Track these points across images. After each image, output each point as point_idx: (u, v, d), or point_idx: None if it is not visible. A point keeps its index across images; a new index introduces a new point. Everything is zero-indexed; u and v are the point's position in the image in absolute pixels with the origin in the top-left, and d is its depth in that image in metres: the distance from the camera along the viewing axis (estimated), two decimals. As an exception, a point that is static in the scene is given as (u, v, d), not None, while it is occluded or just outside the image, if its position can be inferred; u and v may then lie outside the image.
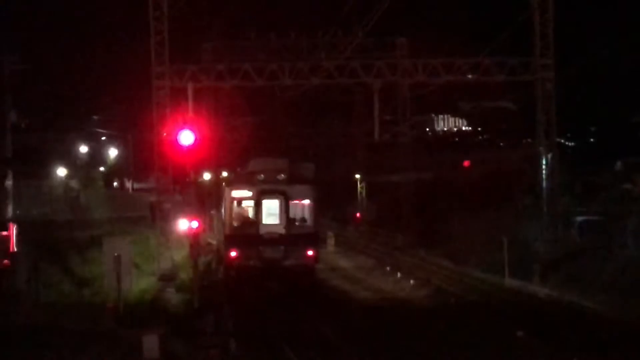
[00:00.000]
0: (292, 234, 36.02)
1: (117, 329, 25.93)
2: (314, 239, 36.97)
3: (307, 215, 37.08)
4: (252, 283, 36.10)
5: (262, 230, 36.23)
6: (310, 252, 36.11)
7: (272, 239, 36.03)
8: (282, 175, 37.11)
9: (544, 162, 46.17)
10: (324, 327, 27.81)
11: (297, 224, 36.63)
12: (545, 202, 45.69)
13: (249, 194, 36.78)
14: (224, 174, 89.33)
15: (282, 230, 36.15)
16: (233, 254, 36.41)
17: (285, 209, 36.30)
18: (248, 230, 36.34)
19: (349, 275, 49.03)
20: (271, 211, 36.37)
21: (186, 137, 29.92)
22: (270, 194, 36.42)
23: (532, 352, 23.35)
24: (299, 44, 48.24)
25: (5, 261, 31.21)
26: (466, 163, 69.08)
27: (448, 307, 33.58)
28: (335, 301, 37.19)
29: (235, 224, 37.10)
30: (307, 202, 37.23)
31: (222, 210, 40.43)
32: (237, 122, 65.71)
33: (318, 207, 37.77)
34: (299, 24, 49.59)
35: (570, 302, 32.06)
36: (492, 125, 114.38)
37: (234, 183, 38.89)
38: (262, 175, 36.94)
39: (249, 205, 37.01)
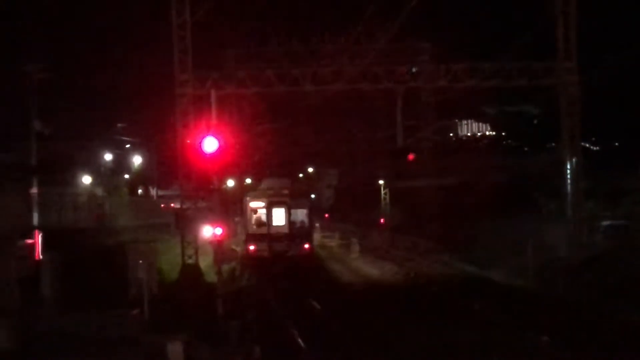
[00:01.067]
0: (293, 232, 49.32)
1: (141, 335, 25.99)
2: (309, 236, 50.43)
3: (304, 219, 50.44)
4: (264, 268, 46.65)
5: (272, 230, 49.43)
6: (306, 245, 49.60)
7: (278, 236, 49.08)
8: (286, 190, 51.00)
9: (568, 166, 45.96)
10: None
11: (296, 225, 49.93)
12: (570, 206, 45.48)
13: (262, 204, 50.29)
14: (248, 180, 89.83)
15: (286, 230, 49.42)
16: (251, 247, 49.75)
17: (288, 215, 49.70)
18: (262, 230, 49.59)
19: (375, 281, 48.97)
20: (278, 216, 49.68)
21: (209, 144, 29.99)
22: (277, 204, 49.98)
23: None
24: (321, 50, 48.28)
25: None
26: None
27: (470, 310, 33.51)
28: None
29: (252, 226, 50.30)
30: (304, 210, 50.69)
31: (244, 217, 52.38)
32: (260, 129, 65.83)
33: (312, 213, 51.88)
34: (321, 30, 49.60)
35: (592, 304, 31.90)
36: (516, 130, 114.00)
37: (252, 196, 51.67)
38: (271, 191, 50.83)
39: (262, 212, 50.22)
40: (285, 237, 49.14)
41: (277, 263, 47.03)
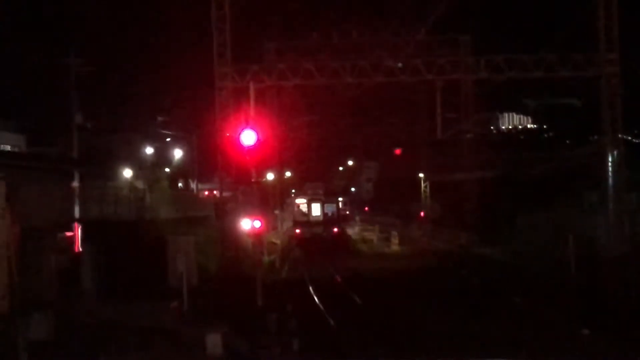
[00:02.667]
0: (326, 220, 66.90)
1: (180, 327, 26.08)
2: (337, 222, 67.95)
3: (333, 211, 68.36)
4: (304, 247, 61.85)
5: (311, 219, 67.00)
6: (335, 229, 66.70)
7: (316, 222, 66.51)
8: (321, 191, 70.83)
9: (610, 158, 45.49)
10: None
11: (328, 215, 67.42)
12: (612, 198, 45.02)
13: (304, 200, 68.82)
14: (288, 173, 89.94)
15: (321, 219, 67.05)
16: (297, 230, 67.42)
17: (322, 208, 67.78)
18: (304, 219, 67.34)
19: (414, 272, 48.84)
20: (315, 209, 67.65)
21: (248, 137, 30.02)
22: (314, 201, 68.26)
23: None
24: (361, 42, 48.15)
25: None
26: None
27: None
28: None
29: (298, 216, 68.51)
30: (333, 205, 68.93)
31: (292, 209, 71.56)
32: (299, 121, 65.91)
33: (342, 207, 71.58)
34: (361, 23, 49.47)
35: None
36: (558, 122, 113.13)
37: (297, 195, 73.05)
38: (310, 191, 70.29)
39: (304, 207, 68.41)
40: (320, 224, 66.61)
41: (315, 242, 62.77)
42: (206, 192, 76.81)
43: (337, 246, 60.95)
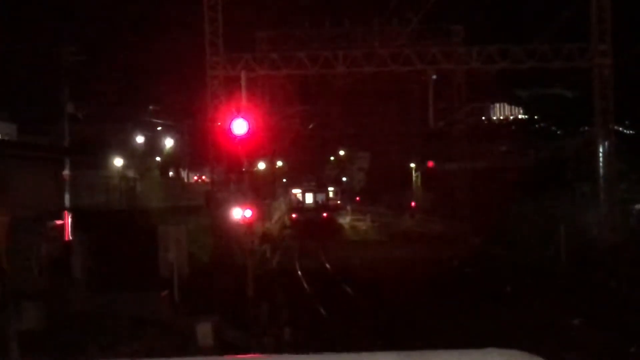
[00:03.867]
0: (317, 207, 76.14)
1: (171, 316, 26.05)
2: (327, 209, 76.27)
3: (323, 199, 77.64)
4: (300, 227, 70.40)
5: (304, 206, 76.77)
6: (325, 214, 74.97)
7: (309, 209, 76.00)
8: (313, 182, 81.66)
9: (601, 149, 45.52)
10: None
11: (319, 203, 76.85)
12: (603, 189, 45.06)
13: (300, 191, 79.16)
14: (279, 163, 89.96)
15: (313, 206, 76.50)
16: (293, 215, 75.55)
17: (314, 197, 77.47)
18: (299, 206, 76.79)
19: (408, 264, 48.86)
20: (308, 198, 77.66)
21: (239, 126, 29.95)
22: (307, 191, 78.57)
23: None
24: (353, 32, 48.04)
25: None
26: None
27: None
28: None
29: (294, 203, 77.88)
30: (323, 194, 78.27)
31: (288, 198, 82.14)
32: (291, 111, 65.84)
33: (333, 197, 79.53)
34: (353, 12, 49.37)
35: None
36: (549, 112, 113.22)
37: (293, 186, 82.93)
38: (305, 183, 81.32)
39: (299, 196, 78.54)
40: (312, 210, 75.86)
41: (307, 224, 70.56)
42: (195, 178, 77.09)
43: (326, 228, 70.63)
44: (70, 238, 34.40)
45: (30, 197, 29.36)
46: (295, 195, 79.34)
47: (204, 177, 77.29)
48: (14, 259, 23.78)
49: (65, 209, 36.68)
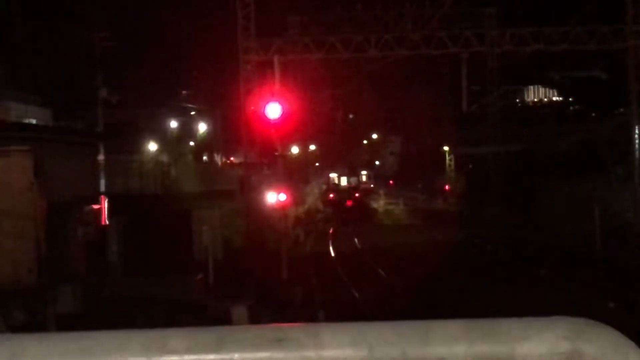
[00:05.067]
0: (350, 188, 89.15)
1: (206, 300, 26.23)
2: (359, 191, 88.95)
3: (356, 183, 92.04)
4: (336, 203, 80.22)
5: (339, 188, 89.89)
6: (357, 194, 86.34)
7: (344, 190, 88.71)
8: (346, 169, 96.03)
9: (636, 131, 45.19)
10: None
11: (352, 185, 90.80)
12: (638, 172, 44.76)
13: (336, 175, 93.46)
14: (312, 147, 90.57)
15: (347, 188, 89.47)
16: (330, 195, 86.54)
17: (348, 180, 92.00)
18: (335, 187, 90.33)
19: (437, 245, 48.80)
20: (343, 181, 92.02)
21: (273, 110, 30.10)
22: (342, 175, 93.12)
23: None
24: (385, 16, 47.92)
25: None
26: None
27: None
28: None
29: (331, 185, 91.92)
30: (356, 178, 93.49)
31: (325, 181, 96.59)
32: (324, 95, 65.86)
33: (366, 181, 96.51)
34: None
35: None
36: (583, 95, 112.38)
37: (329, 170, 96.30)
38: (339, 169, 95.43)
39: (335, 179, 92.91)
40: (346, 191, 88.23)
41: (342, 202, 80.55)
42: (224, 159, 77.55)
43: (358, 206, 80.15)
44: (107, 222, 34.70)
45: (66, 182, 29.62)
46: (332, 179, 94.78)
47: (232, 159, 77.75)
48: (52, 243, 24.04)
49: (101, 193, 36.99)
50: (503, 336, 1.92)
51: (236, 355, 1.85)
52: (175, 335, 1.93)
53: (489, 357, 1.91)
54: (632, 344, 1.97)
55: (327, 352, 1.84)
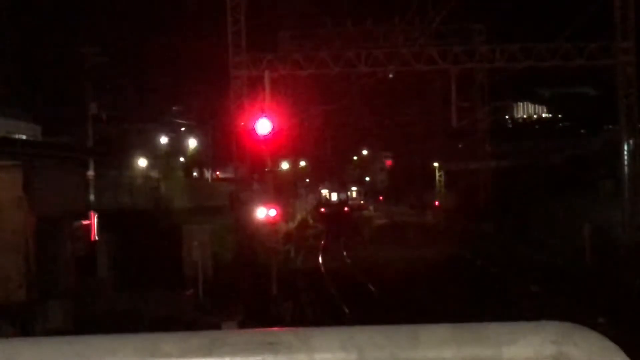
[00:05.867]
0: (339, 202, 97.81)
1: (196, 315, 26.19)
2: (349, 206, 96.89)
3: (345, 198, 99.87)
4: (326, 217, 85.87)
5: (330, 202, 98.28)
6: (346, 209, 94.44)
7: (333, 204, 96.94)
8: (336, 185, 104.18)
9: (625, 147, 45.35)
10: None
11: (342, 200, 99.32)
12: (627, 188, 44.89)
13: (327, 190, 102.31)
14: (302, 163, 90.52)
15: (337, 202, 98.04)
16: (322, 209, 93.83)
17: (338, 195, 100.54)
18: (327, 202, 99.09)
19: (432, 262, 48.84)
20: (333, 196, 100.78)
21: (263, 126, 30.12)
22: (333, 190, 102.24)
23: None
24: (375, 31, 48.05)
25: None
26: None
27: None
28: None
29: (323, 200, 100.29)
30: (344, 194, 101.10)
31: (317, 196, 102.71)
32: (314, 111, 65.91)
33: (356, 196, 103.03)
34: (375, 11, 49.37)
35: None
36: (572, 111, 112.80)
37: (320, 186, 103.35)
38: (329, 185, 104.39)
39: (326, 194, 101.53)
40: (336, 205, 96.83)
41: (332, 215, 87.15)
42: (214, 175, 77.49)
43: (347, 218, 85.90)
44: (96, 238, 34.63)
45: (56, 197, 29.58)
46: (323, 194, 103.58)
47: (217, 174, 77.53)
48: (41, 258, 23.99)
49: (90, 209, 36.92)
50: (491, 340, 1.95)
51: (227, 359, 1.88)
52: (167, 339, 1.96)
53: None
54: (617, 347, 2.00)
55: (318, 356, 1.86)
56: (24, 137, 52.52)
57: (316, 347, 1.88)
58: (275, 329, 1.98)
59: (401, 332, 1.97)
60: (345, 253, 52.48)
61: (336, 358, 1.88)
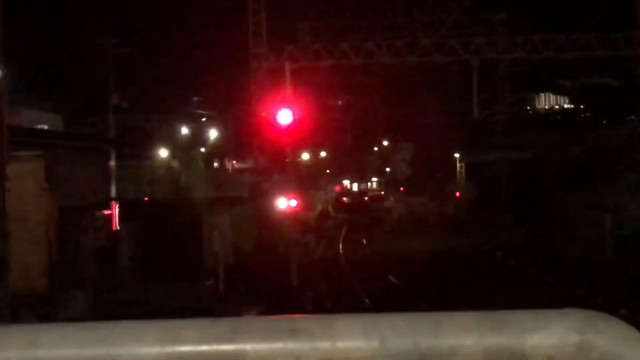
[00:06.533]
0: (360, 192, 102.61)
1: (216, 306, 26.24)
2: (366, 194, 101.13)
3: (365, 188, 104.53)
4: (347, 207, 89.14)
5: (351, 192, 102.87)
6: (366, 198, 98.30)
7: (354, 194, 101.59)
8: (358, 174, 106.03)
9: (647, 138, 45.12)
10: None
11: (361, 190, 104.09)
12: (649, 179, 44.69)
13: (348, 182, 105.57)
14: (323, 154, 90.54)
15: (357, 192, 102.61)
16: (344, 199, 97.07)
17: (359, 186, 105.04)
18: (348, 192, 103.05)
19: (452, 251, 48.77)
20: (354, 186, 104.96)
21: (284, 117, 30.12)
22: (353, 181, 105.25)
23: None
24: (396, 22, 47.95)
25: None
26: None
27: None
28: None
29: (344, 190, 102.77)
30: (366, 184, 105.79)
31: (339, 187, 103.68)
32: (334, 102, 65.87)
33: (377, 187, 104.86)
34: (396, 2, 49.24)
35: None
36: (595, 102, 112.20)
37: (342, 177, 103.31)
38: (350, 176, 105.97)
39: (347, 185, 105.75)
40: (357, 195, 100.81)
41: (353, 204, 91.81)
42: (234, 165, 77.44)
43: (367, 208, 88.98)
44: (117, 228, 34.76)
45: (77, 187, 29.71)
46: (345, 185, 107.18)
47: (234, 162, 77.17)
48: (63, 248, 24.11)
49: (112, 199, 37.06)
50: (514, 328, 1.94)
51: (249, 346, 1.87)
52: (189, 326, 1.96)
53: (500, 348, 1.92)
54: None
55: (340, 343, 1.86)
56: (46, 127, 52.76)
57: (338, 334, 1.87)
58: (297, 315, 1.97)
59: (423, 320, 1.96)
60: (365, 243, 52.46)
61: (358, 345, 1.88)
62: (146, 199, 42.88)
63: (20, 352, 1.85)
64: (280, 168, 50.26)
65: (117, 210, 36.55)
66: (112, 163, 41.11)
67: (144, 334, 1.93)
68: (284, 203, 36.27)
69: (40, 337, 1.89)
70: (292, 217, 33.64)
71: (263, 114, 43.02)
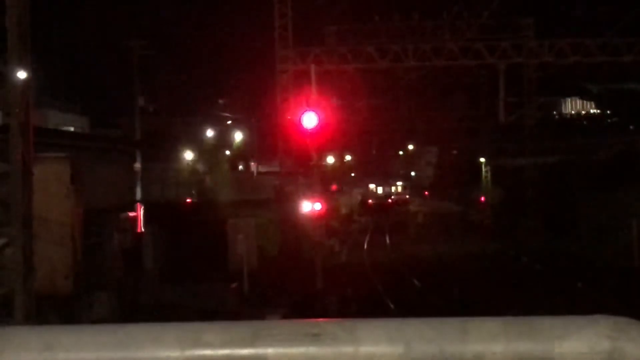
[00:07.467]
0: (385, 195, 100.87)
1: (241, 308, 26.24)
2: (392, 198, 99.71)
3: (389, 192, 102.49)
4: (372, 210, 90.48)
5: (377, 195, 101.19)
6: (389, 200, 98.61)
7: (379, 197, 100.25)
8: (383, 178, 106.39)
9: (675, 144, 44.76)
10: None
11: (386, 193, 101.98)
12: (677, 185, 44.33)
13: (374, 185, 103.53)
14: (348, 157, 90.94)
15: (383, 195, 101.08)
16: (370, 201, 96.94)
17: (383, 190, 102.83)
18: (374, 195, 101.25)
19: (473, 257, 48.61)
20: (379, 190, 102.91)
21: (309, 120, 30.08)
22: (379, 185, 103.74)
23: None
24: (423, 25, 47.83)
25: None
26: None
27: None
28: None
29: (370, 193, 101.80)
30: (390, 188, 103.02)
31: (364, 190, 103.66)
32: (360, 105, 65.78)
33: (402, 191, 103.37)
34: (423, 5, 49.13)
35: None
36: (622, 107, 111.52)
37: (367, 180, 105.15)
38: (375, 178, 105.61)
39: (373, 188, 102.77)
40: (381, 197, 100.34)
41: (378, 207, 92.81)
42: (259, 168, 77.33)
43: (391, 210, 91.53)
44: (142, 230, 34.84)
45: (103, 189, 29.82)
46: (370, 188, 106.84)
47: (254, 164, 76.69)
48: (88, 250, 24.16)
49: (137, 201, 37.15)
50: (542, 334, 1.89)
51: (271, 350, 1.83)
52: (210, 329, 1.91)
53: (528, 355, 1.87)
54: None
55: (363, 348, 1.81)
56: (72, 129, 53.03)
57: (362, 339, 1.82)
58: (320, 319, 1.92)
59: (450, 325, 1.91)
60: (390, 247, 52.35)
61: (382, 351, 1.82)
62: (184, 201, 42.95)
63: (37, 354, 1.81)
64: (305, 171, 50.22)
65: (142, 212, 36.64)
66: (138, 165, 41.24)
67: (164, 336, 1.89)
68: (309, 206, 36.25)
69: (58, 339, 1.85)
70: (317, 220, 33.57)
71: (288, 116, 43.02)
